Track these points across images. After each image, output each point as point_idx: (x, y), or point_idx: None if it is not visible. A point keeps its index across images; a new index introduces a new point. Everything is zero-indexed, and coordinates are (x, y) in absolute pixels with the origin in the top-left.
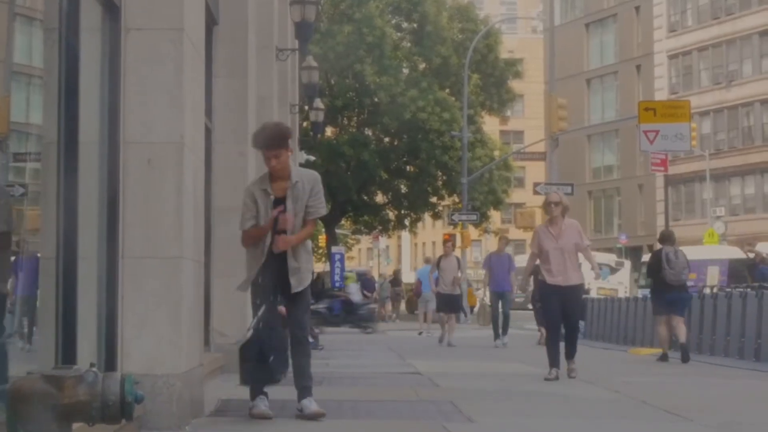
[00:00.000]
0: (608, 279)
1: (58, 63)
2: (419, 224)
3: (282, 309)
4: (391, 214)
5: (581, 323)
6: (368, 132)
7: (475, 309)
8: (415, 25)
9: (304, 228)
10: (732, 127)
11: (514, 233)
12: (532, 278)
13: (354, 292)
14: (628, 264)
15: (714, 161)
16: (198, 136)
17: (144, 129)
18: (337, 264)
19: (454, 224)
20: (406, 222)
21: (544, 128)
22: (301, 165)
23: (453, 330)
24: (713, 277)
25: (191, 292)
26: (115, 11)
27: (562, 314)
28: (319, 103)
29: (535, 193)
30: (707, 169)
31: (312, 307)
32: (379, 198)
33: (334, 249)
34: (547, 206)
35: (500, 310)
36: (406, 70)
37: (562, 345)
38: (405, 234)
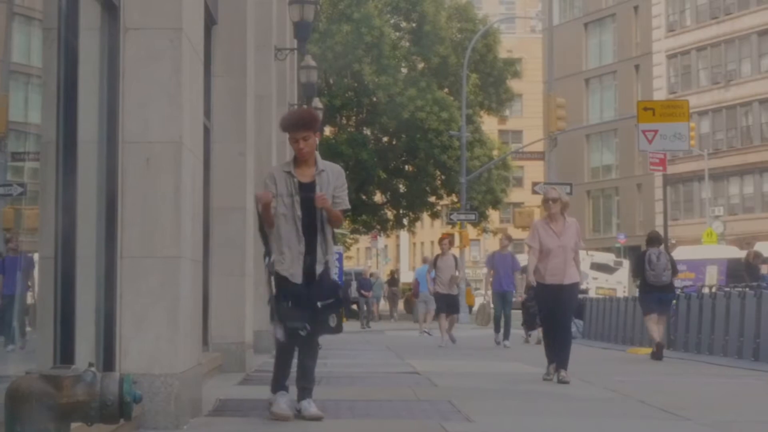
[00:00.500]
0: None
1: (57, 62)
2: (418, 224)
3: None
4: (390, 214)
5: (580, 323)
6: (367, 131)
7: (474, 308)
8: (413, 25)
9: (336, 211)
10: (730, 126)
11: (513, 233)
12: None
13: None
14: (626, 263)
15: (712, 161)
16: (196, 136)
17: (142, 128)
18: (336, 263)
19: (453, 224)
20: (405, 221)
21: (542, 128)
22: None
23: (453, 324)
24: (712, 276)
25: (189, 291)
26: (113, 11)
27: (556, 314)
28: (317, 102)
29: (534, 192)
30: (706, 169)
31: None
32: (378, 197)
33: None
34: (545, 203)
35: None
36: (404, 70)
37: None
38: (403, 233)
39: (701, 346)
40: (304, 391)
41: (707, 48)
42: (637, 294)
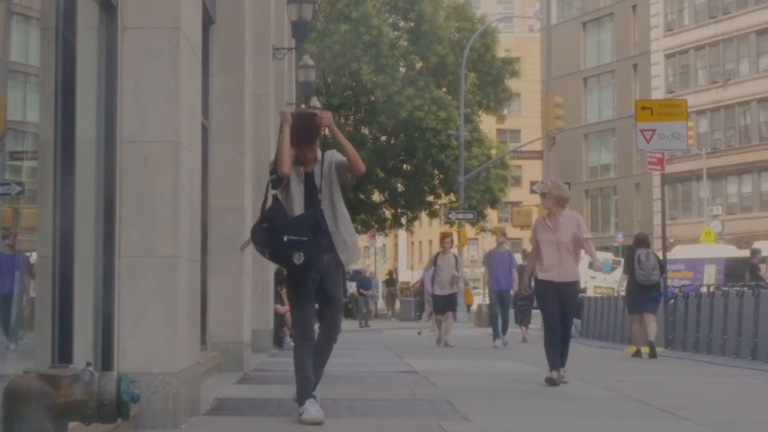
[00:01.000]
0: (610, 273)
1: (55, 62)
2: (416, 223)
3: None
4: (388, 213)
5: (578, 322)
6: (365, 131)
7: (472, 308)
8: (411, 24)
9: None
10: (729, 126)
11: (511, 232)
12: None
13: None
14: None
15: (711, 160)
16: (194, 135)
17: (140, 128)
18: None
19: (451, 223)
20: (403, 221)
21: (541, 127)
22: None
23: (450, 329)
24: (710, 275)
25: (187, 290)
26: (111, 10)
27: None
28: (315, 101)
29: (532, 192)
30: (704, 168)
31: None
32: (376, 196)
33: None
34: (540, 198)
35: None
36: (402, 69)
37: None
38: (401, 233)
39: (699, 346)
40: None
41: (705, 47)
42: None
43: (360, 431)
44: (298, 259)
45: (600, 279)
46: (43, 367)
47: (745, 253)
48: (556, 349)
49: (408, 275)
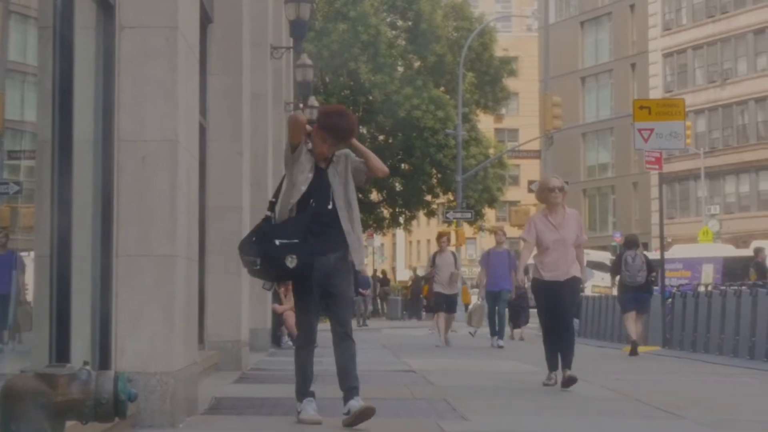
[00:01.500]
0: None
1: (53, 61)
2: (414, 222)
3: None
4: (386, 212)
5: (576, 321)
6: (363, 130)
7: (470, 307)
8: (409, 24)
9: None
10: (727, 125)
11: (509, 231)
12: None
13: None
14: None
15: (709, 159)
16: (192, 134)
17: (138, 127)
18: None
19: (449, 222)
20: (401, 220)
21: (538, 126)
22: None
23: (450, 326)
24: (708, 275)
25: (185, 290)
26: (109, 9)
27: (557, 312)
28: (313, 101)
29: (530, 191)
30: (702, 168)
31: None
32: (374, 196)
33: None
34: (548, 192)
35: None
36: (400, 68)
37: None
38: (399, 232)
39: (697, 345)
40: (350, 391)
41: (703, 47)
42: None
43: (357, 430)
44: (291, 262)
45: (598, 278)
46: (40, 367)
47: (743, 252)
48: (555, 352)
49: (406, 275)
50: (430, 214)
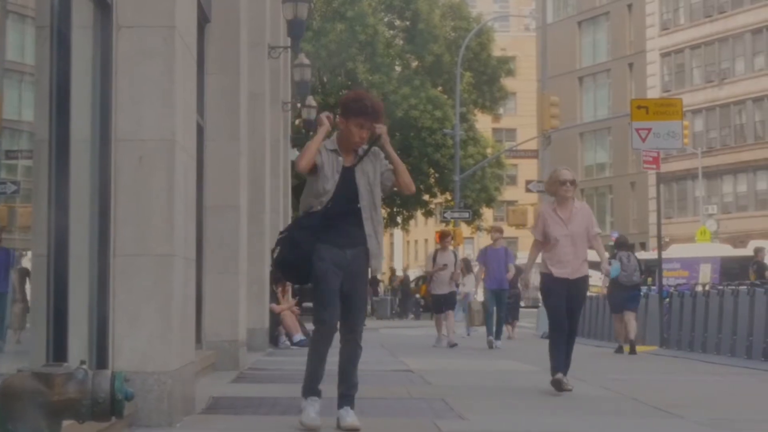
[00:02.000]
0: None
1: (50, 60)
2: (411, 222)
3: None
4: (384, 212)
5: None
6: None
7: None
8: (407, 23)
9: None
10: (724, 125)
11: (507, 231)
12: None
13: None
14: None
15: (706, 159)
16: (189, 134)
17: (135, 126)
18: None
19: (447, 222)
20: (399, 219)
21: (536, 126)
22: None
23: (452, 328)
24: (705, 274)
25: (183, 289)
26: (106, 9)
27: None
28: (311, 100)
29: (527, 190)
30: (699, 167)
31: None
32: None
33: None
34: (559, 186)
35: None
36: (398, 68)
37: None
38: (397, 231)
39: (694, 345)
40: (343, 399)
41: (701, 46)
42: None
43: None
44: (275, 252)
45: (596, 278)
46: (37, 366)
47: (741, 252)
48: (562, 351)
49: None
50: (428, 213)
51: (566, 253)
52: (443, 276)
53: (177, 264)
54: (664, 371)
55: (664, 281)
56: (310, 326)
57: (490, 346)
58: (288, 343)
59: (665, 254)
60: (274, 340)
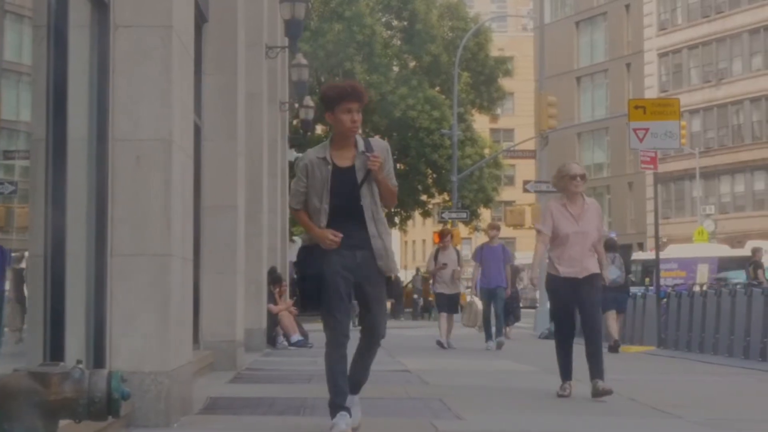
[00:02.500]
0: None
1: (47, 60)
2: (409, 222)
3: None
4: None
5: None
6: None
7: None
8: (405, 23)
9: (392, 186)
10: (722, 125)
11: (504, 231)
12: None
13: None
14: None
15: (704, 159)
16: (187, 134)
17: (133, 126)
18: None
19: (444, 222)
20: (396, 220)
21: (534, 126)
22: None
23: (451, 330)
24: (703, 275)
25: (180, 289)
26: (103, 8)
27: (578, 313)
28: (308, 100)
29: (525, 191)
30: (697, 167)
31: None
32: None
33: None
34: (568, 180)
35: (492, 309)
36: (396, 68)
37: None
38: (395, 232)
39: (692, 345)
40: (353, 387)
41: (698, 46)
42: None
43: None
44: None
45: None
46: (33, 365)
47: (739, 252)
48: (570, 356)
49: (402, 274)
50: (426, 214)
51: (576, 252)
52: (444, 275)
53: (174, 264)
54: (661, 371)
55: (662, 281)
56: (307, 327)
57: (488, 347)
58: (285, 343)
59: (663, 254)
60: (271, 341)
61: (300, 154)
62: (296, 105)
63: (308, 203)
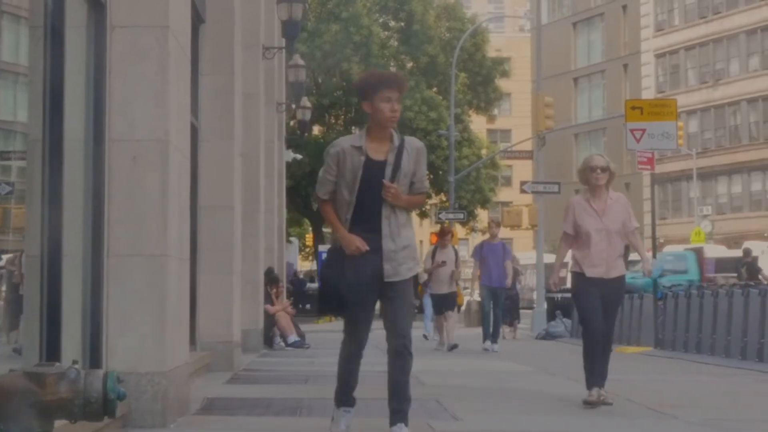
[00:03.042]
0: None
1: (44, 60)
2: None
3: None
4: None
5: (568, 322)
6: (355, 130)
7: (462, 307)
8: (402, 24)
9: (414, 196)
10: (719, 126)
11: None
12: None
13: None
14: None
15: (701, 160)
16: (183, 134)
17: (129, 126)
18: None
19: (442, 222)
20: None
21: (531, 127)
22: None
23: (453, 329)
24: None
25: (176, 290)
26: (100, 8)
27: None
28: (306, 101)
29: (522, 191)
30: (694, 168)
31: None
32: None
33: (321, 248)
34: (589, 172)
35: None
36: (393, 69)
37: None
38: None
39: (689, 345)
40: (396, 415)
41: (696, 47)
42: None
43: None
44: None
45: None
46: (29, 366)
47: (736, 253)
48: (598, 361)
49: None
50: (423, 215)
51: (600, 250)
52: (442, 274)
53: (171, 264)
54: (658, 372)
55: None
56: (304, 327)
57: (486, 348)
58: (283, 344)
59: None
60: (268, 341)
61: (297, 155)
62: (293, 106)
63: (336, 194)
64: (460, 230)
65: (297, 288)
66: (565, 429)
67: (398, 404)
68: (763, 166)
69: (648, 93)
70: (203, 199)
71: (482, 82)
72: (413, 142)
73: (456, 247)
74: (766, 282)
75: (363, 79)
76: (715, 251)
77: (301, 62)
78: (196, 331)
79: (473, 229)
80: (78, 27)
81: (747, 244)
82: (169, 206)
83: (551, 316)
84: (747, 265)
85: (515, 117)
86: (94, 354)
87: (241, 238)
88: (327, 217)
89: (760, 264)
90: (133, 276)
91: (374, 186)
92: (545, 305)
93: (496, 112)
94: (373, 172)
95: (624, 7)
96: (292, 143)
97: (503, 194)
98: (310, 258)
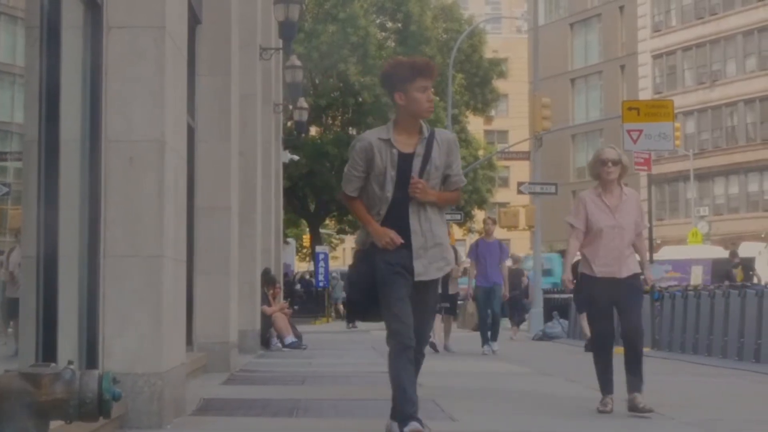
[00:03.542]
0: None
1: (40, 61)
2: None
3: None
4: None
5: (564, 322)
6: (352, 131)
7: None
8: (399, 25)
9: (447, 192)
10: (716, 126)
11: (498, 233)
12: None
13: None
14: None
15: (698, 161)
16: (180, 135)
17: (126, 127)
18: (321, 264)
19: None
20: None
21: (528, 128)
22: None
23: (449, 333)
24: (697, 276)
25: (173, 290)
26: (97, 9)
27: (612, 317)
28: (303, 102)
29: (519, 192)
30: (691, 169)
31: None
32: None
33: (318, 249)
34: (600, 166)
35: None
36: None
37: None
38: None
39: (686, 346)
40: (406, 420)
41: (692, 48)
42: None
43: (345, 431)
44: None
45: None
46: (24, 366)
47: None
48: (611, 367)
49: None
50: None
51: (612, 248)
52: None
53: (167, 265)
54: (655, 372)
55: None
56: (301, 328)
57: (485, 352)
58: (279, 345)
59: (657, 256)
60: (265, 342)
61: (294, 156)
62: (290, 107)
63: (364, 190)
64: (457, 231)
65: (285, 287)
66: (561, 430)
67: (407, 408)
68: (760, 166)
69: (645, 94)
70: (200, 200)
71: (479, 83)
72: (444, 134)
73: (454, 246)
74: (758, 281)
75: (392, 68)
76: (712, 252)
77: (298, 63)
78: (192, 332)
79: (470, 230)
80: (74, 27)
81: (744, 245)
82: (166, 207)
83: (548, 316)
84: (741, 266)
85: (512, 118)
86: (90, 354)
87: (238, 238)
88: (357, 214)
89: (756, 264)
90: (130, 277)
91: (405, 181)
92: (542, 306)
93: (493, 112)
94: (404, 166)
95: (621, 8)
96: (290, 144)
97: (500, 195)
98: (307, 259)
